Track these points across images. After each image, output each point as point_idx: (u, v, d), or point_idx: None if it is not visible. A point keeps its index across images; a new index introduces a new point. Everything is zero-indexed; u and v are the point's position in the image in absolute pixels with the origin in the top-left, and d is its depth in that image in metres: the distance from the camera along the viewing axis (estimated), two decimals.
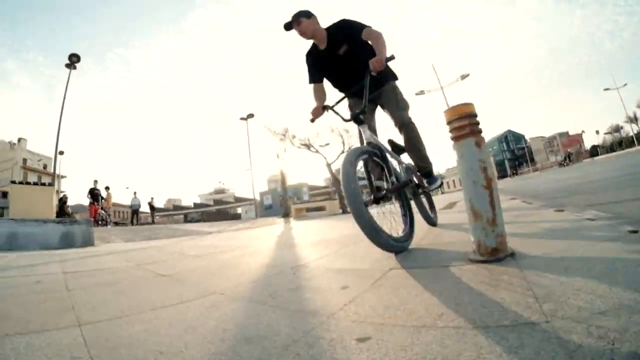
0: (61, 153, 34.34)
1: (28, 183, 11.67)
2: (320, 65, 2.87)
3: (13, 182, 12.14)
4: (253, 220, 17.83)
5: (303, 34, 2.68)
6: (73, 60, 17.60)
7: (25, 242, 5.83)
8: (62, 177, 38.89)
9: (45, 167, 53.37)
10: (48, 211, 10.33)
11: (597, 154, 56.07)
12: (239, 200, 59.82)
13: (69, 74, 17.32)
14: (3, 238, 5.78)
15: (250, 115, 28.18)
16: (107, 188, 18.60)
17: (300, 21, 2.65)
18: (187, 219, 52.76)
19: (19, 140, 52.19)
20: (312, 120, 2.86)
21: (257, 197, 32.61)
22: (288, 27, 2.70)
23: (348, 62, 2.70)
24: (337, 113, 2.76)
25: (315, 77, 2.92)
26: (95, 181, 17.39)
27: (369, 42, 2.64)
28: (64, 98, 16.67)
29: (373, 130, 2.88)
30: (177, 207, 64.09)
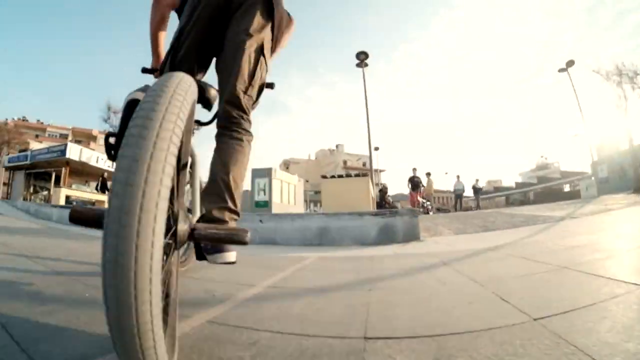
0: (376, 149, 37.55)
1: (340, 176, 10.98)
2: None
3: (323, 176, 11.85)
4: (597, 199, 12.57)
5: None
6: (362, 57, 17.70)
7: (337, 237, 5.53)
8: (381, 170, 43.14)
9: (364, 164, 60.37)
10: (365, 202, 9.29)
11: None
12: (565, 175, 51.54)
13: (363, 73, 17.56)
14: (313, 232, 5.71)
15: (571, 63, 22.37)
16: (428, 174, 18.58)
17: None
18: (509, 201, 49.11)
19: (337, 146, 61.35)
20: None
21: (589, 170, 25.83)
22: None
23: None
24: None
25: None
26: (414, 169, 17.03)
27: None
28: (365, 98, 17.12)
29: None
30: (498, 189, 60.74)
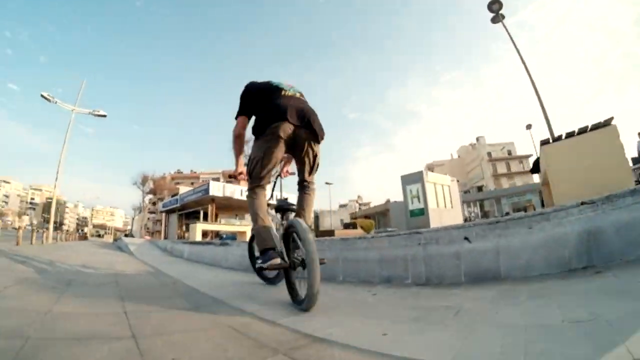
0: (529, 127, 33.27)
1: (570, 134, 6.66)
2: None
3: (544, 142, 7.54)
4: None
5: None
6: (495, 8, 13.95)
7: (620, 246, 2.47)
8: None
9: (509, 152, 53.18)
10: (618, 169, 5.50)
11: None
12: None
13: (504, 26, 13.83)
14: (571, 243, 2.64)
15: None
16: None
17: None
18: None
19: (477, 139, 55.43)
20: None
21: None
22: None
23: None
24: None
25: None
26: None
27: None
28: (518, 52, 13.39)
29: None
30: None
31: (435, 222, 15.22)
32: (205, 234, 22.85)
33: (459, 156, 59.44)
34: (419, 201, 15.90)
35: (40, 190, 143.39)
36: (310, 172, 2.91)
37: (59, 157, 18.80)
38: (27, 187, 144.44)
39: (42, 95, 17.45)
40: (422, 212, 15.58)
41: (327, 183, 49.47)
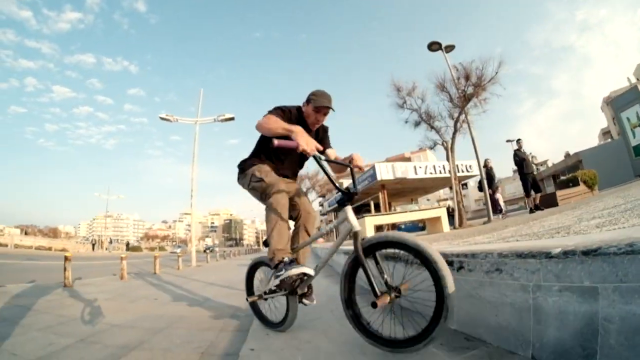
0: None
1: None
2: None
3: None
4: None
5: (318, 122, 2.76)
6: None
7: None
8: None
9: None
10: None
11: None
12: None
13: None
14: None
15: None
16: None
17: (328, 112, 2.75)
18: None
19: None
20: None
21: None
22: (327, 108, 2.70)
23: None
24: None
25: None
26: None
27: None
28: None
29: None
30: None
31: None
32: (379, 228, 20.32)
33: (637, 79, 48.73)
34: None
35: (218, 214, 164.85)
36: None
37: (190, 174, 17.69)
38: (206, 214, 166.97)
39: (161, 117, 17.68)
40: None
41: (508, 141, 40.09)
